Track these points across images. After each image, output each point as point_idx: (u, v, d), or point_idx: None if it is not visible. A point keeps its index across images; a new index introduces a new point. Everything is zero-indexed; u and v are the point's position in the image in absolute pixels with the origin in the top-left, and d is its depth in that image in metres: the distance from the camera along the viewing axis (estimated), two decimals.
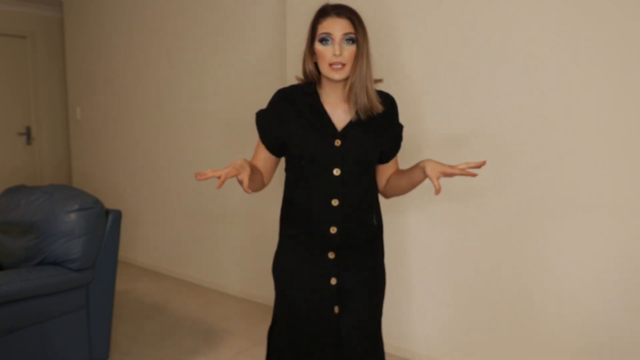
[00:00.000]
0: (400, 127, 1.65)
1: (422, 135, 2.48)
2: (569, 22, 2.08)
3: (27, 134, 5.12)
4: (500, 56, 2.26)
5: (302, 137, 1.51)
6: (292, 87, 1.59)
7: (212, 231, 3.75)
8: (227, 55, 3.47)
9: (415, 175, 1.55)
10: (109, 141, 4.52)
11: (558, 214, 2.18)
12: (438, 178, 1.45)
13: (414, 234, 2.59)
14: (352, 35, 1.45)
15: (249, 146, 3.42)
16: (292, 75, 2.95)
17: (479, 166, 1.46)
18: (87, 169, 4.82)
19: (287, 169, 1.62)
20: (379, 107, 1.51)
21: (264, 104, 1.63)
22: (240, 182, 1.34)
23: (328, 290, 1.56)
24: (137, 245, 4.36)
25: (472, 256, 2.43)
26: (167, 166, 4.01)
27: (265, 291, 3.43)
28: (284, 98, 1.56)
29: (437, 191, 1.42)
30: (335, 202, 1.51)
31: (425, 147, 2.48)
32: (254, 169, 1.52)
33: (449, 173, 1.46)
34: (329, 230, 1.52)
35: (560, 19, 2.10)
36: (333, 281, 1.55)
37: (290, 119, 1.53)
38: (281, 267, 1.63)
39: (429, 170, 1.48)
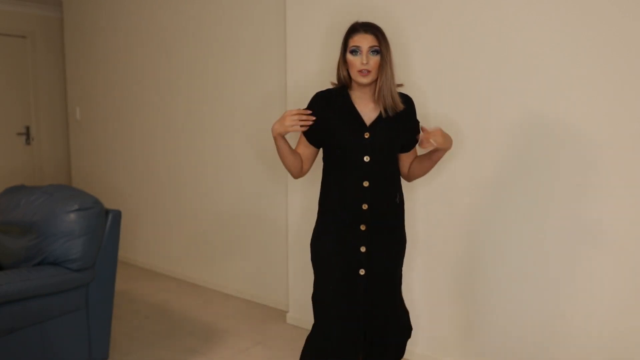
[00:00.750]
0: (417, 122, 1.95)
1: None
2: (569, 22, 2.08)
3: (27, 134, 5.12)
4: (500, 56, 2.26)
5: (338, 131, 1.83)
6: (328, 90, 1.90)
7: (212, 231, 3.75)
8: (227, 55, 3.47)
9: (434, 153, 1.87)
10: (109, 141, 4.52)
11: (558, 213, 2.18)
12: (427, 138, 1.77)
13: (416, 231, 2.59)
14: (377, 48, 1.76)
15: (250, 145, 3.43)
16: (293, 75, 2.96)
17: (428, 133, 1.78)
18: (87, 169, 4.82)
19: (324, 159, 1.93)
20: (400, 106, 1.83)
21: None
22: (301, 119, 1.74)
23: (357, 256, 1.86)
24: (137, 245, 4.36)
25: (470, 256, 2.43)
26: (167, 166, 4.02)
27: (265, 291, 3.43)
28: (321, 99, 1.87)
29: (421, 143, 1.79)
30: (366, 184, 1.83)
31: None
32: (293, 151, 1.88)
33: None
34: (361, 206, 1.83)
35: (560, 19, 2.10)
36: (363, 249, 1.86)
37: (327, 116, 1.83)
38: (320, 239, 1.92)
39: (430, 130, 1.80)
